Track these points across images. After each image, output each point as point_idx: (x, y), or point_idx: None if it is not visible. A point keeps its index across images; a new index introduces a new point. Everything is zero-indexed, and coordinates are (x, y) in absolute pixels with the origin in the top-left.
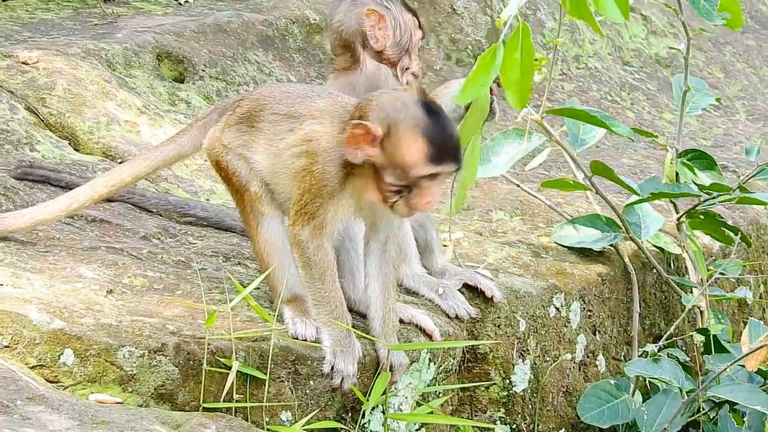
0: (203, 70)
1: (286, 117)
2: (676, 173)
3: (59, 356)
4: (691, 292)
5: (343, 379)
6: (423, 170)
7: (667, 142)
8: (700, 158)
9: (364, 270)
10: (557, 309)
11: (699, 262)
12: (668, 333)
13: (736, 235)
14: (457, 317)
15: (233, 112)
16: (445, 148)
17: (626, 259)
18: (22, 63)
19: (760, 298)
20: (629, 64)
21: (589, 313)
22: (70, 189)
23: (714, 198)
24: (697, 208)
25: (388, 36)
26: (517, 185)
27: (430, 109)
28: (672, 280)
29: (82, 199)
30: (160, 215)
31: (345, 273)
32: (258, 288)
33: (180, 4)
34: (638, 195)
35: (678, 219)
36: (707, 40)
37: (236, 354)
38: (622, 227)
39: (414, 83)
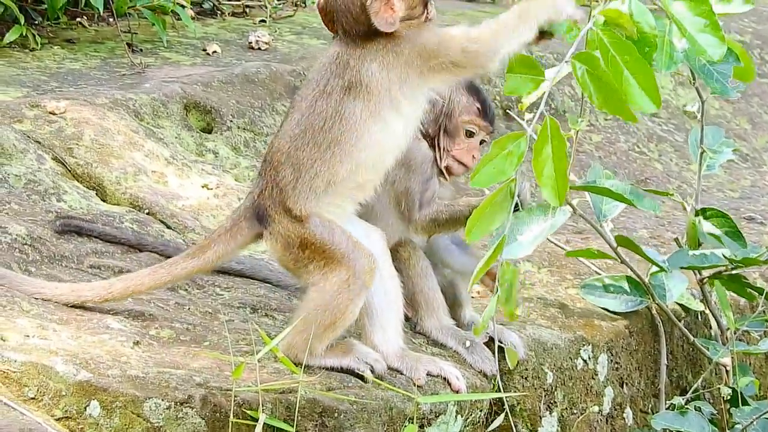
0: (231, 121)
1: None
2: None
3: (85, 408)
4: (716, 349)
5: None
6: None
7: (685, 200)
8: (718, 216)
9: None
10: (585, 361)
11: (726, 319)
12: (695, 386)
13: (761, 294)
14: (481, 372)
15: (277, 193)
16: None
17: (654, 312)
18: (50, 113)
19: None
20: (657, 115)
21: (616, 366)
22: (102, 239)
23: (740, 266)
24: (722, 272)
25: None
26: (546, 238)
27: None
28: (697, 341)
29: (94, 298)
30: None
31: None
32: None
33: (208, 54)
34: (664, 269)
35: (701, 280)
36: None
37: (263, 406)
38: (648, 293)
39: (455, 170)
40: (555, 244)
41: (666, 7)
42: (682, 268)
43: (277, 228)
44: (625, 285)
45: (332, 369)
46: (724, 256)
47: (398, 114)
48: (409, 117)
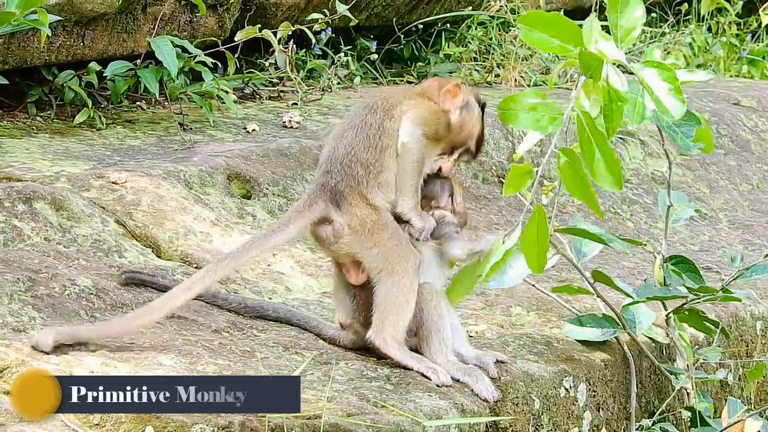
0: (267, 188)
1: None
2: (665, 277)
3: None
4: (678, 376)
5: None
6: None
7: (654, 250)
8: (682, 263)
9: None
10: (566, 390)
11: (686, 349)
12: (660, 410)
13: (717, 327)
14: (485, 400)
15: (354, 183)
16: None
17: (625, 347)
18: (113, 183)
19: (739, 379)
20: (629, 181)
21: (593, 393)
22: (159, 290)
23: (699, 299)
24: (684, 306)
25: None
26: (533, 285)
27: None
28: (663, 367)
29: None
30: (230, 312)
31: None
32: (311, 373)
33: (248, 132)
34: (633, 301)
35: (666, 315)
36: (695, 161)
37: (292, 430)
38: (620, 324)
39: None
40: (541, 291)
41: (637, 73)
42: (648, 298)
43: (354, 210)
44: (600, 318)
45: (405, 367)
46: (684, 286)
47: None
48: None
